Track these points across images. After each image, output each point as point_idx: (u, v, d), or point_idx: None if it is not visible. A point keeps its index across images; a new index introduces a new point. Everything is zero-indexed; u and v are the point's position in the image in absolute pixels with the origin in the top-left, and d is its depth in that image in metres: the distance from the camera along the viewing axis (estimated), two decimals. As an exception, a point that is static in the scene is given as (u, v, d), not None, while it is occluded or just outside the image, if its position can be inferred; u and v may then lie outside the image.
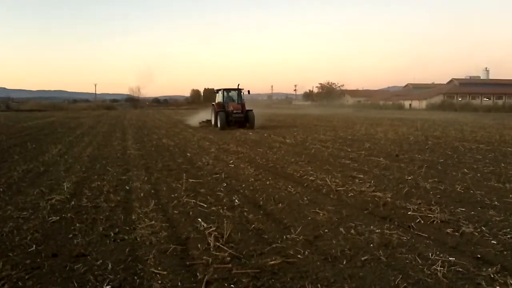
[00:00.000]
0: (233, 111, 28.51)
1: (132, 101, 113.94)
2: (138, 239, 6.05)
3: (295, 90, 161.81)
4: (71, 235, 6.25)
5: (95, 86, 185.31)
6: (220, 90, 30.87)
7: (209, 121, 31.58)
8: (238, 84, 30.70)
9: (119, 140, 21.18)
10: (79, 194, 8.84)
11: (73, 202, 8.13)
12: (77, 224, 6.74)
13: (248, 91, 30.90)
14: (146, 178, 10.62)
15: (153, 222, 6.78)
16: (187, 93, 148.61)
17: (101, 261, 5.25)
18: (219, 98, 30.76)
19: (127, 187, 9.62)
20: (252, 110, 29.29)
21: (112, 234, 6.29)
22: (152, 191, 9.24)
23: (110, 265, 5.12)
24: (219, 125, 28.24)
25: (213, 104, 31.01)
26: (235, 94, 30.74)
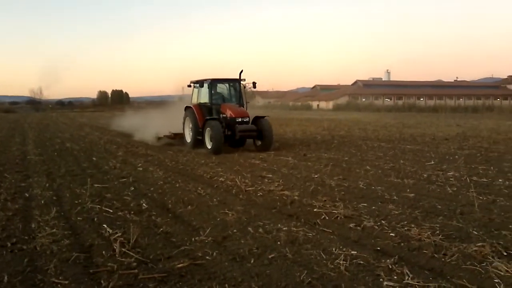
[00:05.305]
0: (236, 119, 16.06)
1: (34, 104, 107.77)
2: (38, 248, 5.73)
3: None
4: (-39, 248, 5.79)
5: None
6: (204, 81, 17.42)
7: (178, 134, 18.81)
8: (241, 71, 17.23)
9: (19, 145, 19.93)
10: (-29, 204, 8.20)
11: (-36, 213, 7.52)
12: (-31, 236, 6.25)
13: (254, 84, 17.39)
14: (47, 185, 10.07)
15: (54, 230, 6.45)
16: (93, 95, 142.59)
17: (-5, 274, 4.91)
18: (202, 96, 17.74)
19: (27, 194, 9.07)
20: (265, 117, 16.70)
21: (9, 245, 5.90)
22: (54, 197, 8.79)
23: (6, 278, 4.79)
24: (209, 145, 15.95)
25: (188, 107, 17.76)
26: (230, 89, 17.98)
